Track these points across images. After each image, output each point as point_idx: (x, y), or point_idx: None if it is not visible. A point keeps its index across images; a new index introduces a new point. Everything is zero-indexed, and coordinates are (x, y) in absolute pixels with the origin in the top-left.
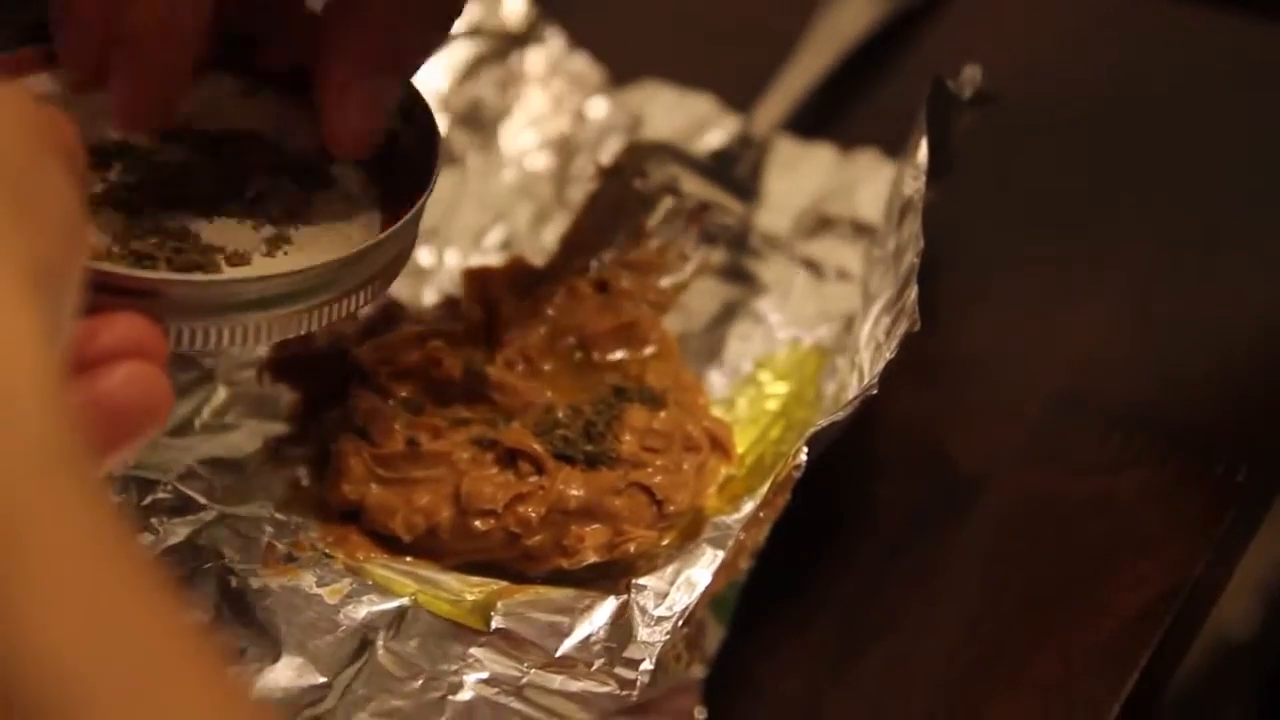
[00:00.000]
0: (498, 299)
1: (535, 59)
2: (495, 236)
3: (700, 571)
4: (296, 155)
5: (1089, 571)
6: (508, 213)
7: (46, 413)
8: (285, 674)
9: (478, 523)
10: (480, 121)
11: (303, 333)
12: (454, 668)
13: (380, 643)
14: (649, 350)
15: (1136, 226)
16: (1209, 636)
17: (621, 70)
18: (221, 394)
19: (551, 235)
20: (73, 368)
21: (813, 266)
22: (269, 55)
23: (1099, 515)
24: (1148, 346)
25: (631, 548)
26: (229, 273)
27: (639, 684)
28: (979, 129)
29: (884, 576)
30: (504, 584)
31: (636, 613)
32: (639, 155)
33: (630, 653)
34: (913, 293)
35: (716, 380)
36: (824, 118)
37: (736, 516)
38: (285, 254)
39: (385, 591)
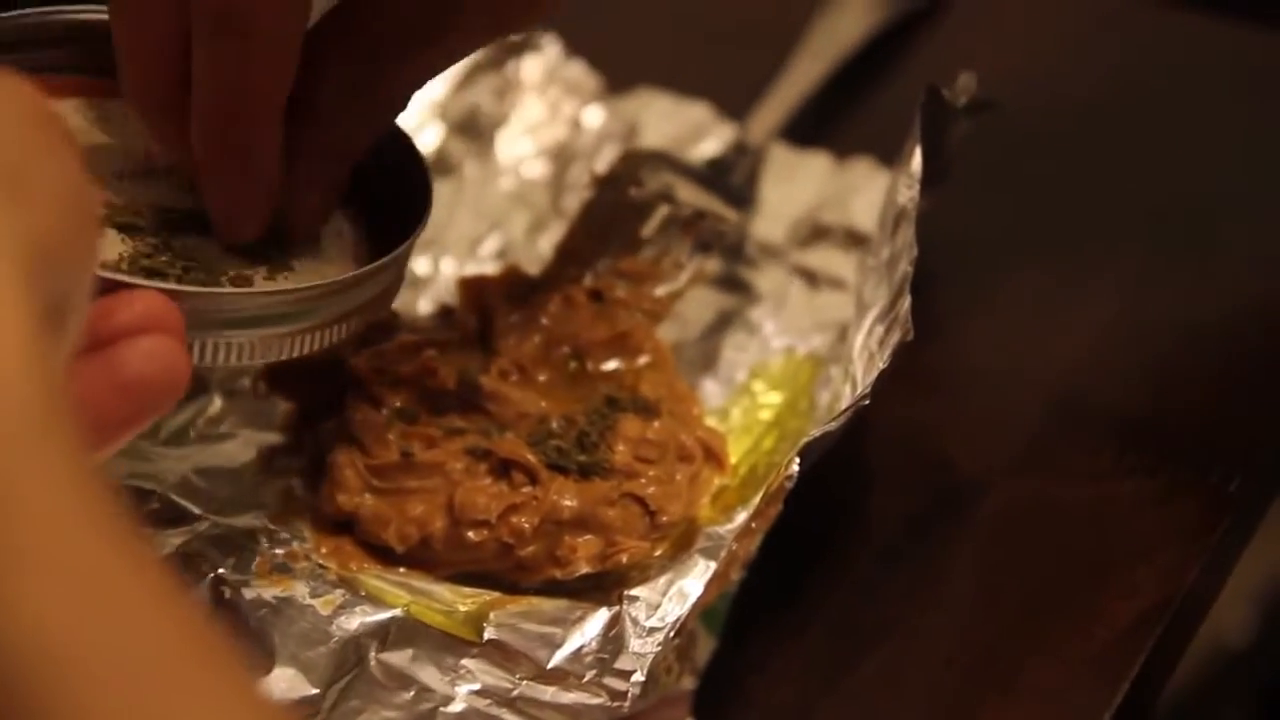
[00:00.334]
0: (492, 308)
1: (531, 67)
2: (491, 245)
3: (693, 582)
4: None
5: (1083, 580)
6: (504, 221)
7: (33, 387)
8: (278, 685)
9: (471, 533)
10: (476, 129)
11: (296, 354)
12: (446, 679)
13: (373, 654)
14: (643, 360)
15: (1131, 234)
16: (1206, 645)
17: (617, 78)
18: (217, 403)
19: (547, 244)
20: (92, 344)
21: (808, 276)
22: None
23: (1093, 524)
24: (1142, 355)
25: (624, 558)
26: (233, 290)
27: (630, 695)
28: (974, 136)
29: (877, 586)
30: (497, 595)
31: (628, 624)
32: (634, 163)
33: (622, 664)
34: (906, 302)
35: (711, 390)
36: (819, 126)
37: (730, 527)
38: (284, 279)
39: (378, 602)
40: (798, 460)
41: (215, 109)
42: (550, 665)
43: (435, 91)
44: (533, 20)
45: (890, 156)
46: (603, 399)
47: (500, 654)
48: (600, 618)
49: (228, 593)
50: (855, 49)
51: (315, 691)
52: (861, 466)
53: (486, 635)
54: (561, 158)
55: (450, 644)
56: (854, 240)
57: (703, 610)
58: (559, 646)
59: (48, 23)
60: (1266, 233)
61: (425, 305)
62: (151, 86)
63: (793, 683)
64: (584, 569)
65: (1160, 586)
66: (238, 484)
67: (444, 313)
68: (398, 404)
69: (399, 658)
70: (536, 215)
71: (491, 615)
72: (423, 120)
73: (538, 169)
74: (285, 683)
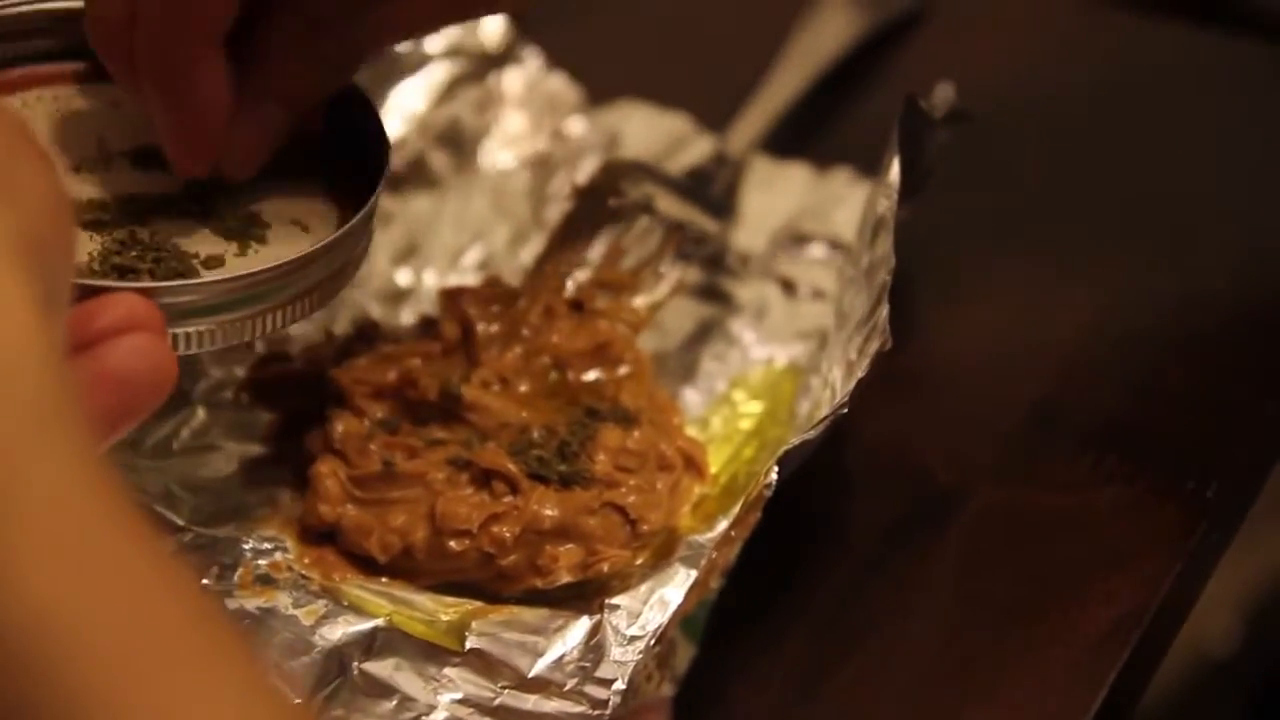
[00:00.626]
0: (473, 319)
1: (513, 79)
2: (473, 256)
3: (674, 591)
4: None
5: (1061, 587)
6: (486, 233)
7: (41, 368)
8: None
9: (452, 543)
10: (458, 142)
11: (282, 327)
12: (428, 688)
13: (355, 664)
14: (623, 370)
15: (1109, 241)
16: (1191, 654)
17: (598, 90)
18: (200, 415)
19: (529, 255)
20: (76, 348)
21: (788, 286)
22: None
23: (1071, 531)
24: (1120, 362)
25: (605, 567)
26: (206, 276)
27: (611, 704)
28: (953, 144)
29: (856, 593)
30: (478, 604)
31: (610, 632)
32: (615, 174)
33: (603, 672)
34: (884, 311)
35: (691, 399)
36: (800, 137)
37: (710, 536)
38: (256, 252)
39: (360, 612)
40: (776, 469)
41: (155, 36)
42: (532, 674)
43: (417, 104)
44: (495, 8)
45: (870, 166)
46: (583, 409)
47: (482, 663)
48: (581, 626)
49: None
50: (835, 60)
51: (298, 701)
52: (841, 475)
53: (468, 644)
54: (543, 169)
55: (432, 653)
56: (834, 250)
57: (683, 618)
58: (540, 655)
59: None
60: (1244, 238)
61: (407, 316)
62: (105, 19)
63: (772, 690)
64: (565, 578)
65: (1138, 593)
66: (221, 495)
67: (425, 324)
68: (379, 415)
69: (381, 667)
70: (518, 227)
71: (473, 624)
72: (404, 132)
73: (519, 181)
74: None
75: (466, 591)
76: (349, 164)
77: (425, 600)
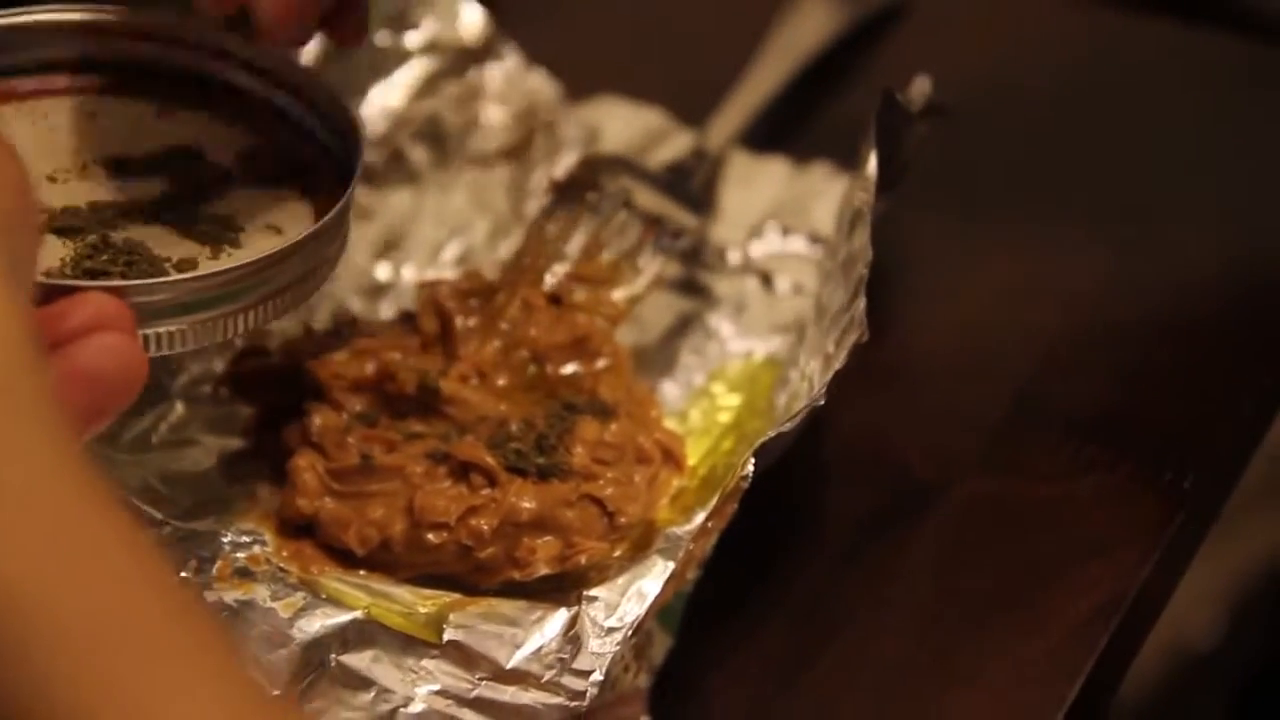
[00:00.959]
0: (452, 313)
1: (492, 75)
2: (453, 251)
3: (651, 583)
4: (224, 163)
5: (1038, 576)
6: (465, 227)
7: (13, 349)
8: None
9: (430, 535)
10: (438, 137)
11: (254, 327)
12: (406, 680)
13: (334, 656)
14: (601, 363)
15: (1087, 234)
16: (1174, 648)
17: (578, 85)
18: (178, 409)
19: (508, 249)
20: (48, 348)
21: (766, 279)
22: None
23: (1049, 521)
24: (1098, 353)
25: (583, 559)
26: (176, 275)
27: (588, 695)
28: (930, 137)
29: (834, 584)
30: (456, 596)
31: (588, 624)
32: (593, 169)
33: (580, 664)
34: (861, 303)
35: (670, 392)
36: (778, 131)
37: (688, 528)
38: (229, 255)
39: (339, 605)
40: (753, 460)
41: None
42: (509, 665)
43: (396, 99)
44: None
45: (849, 160)
46: (561, 402)
47: (460, 655)
48: (559, 618)
49: None
50: (814, 55)
51: (277, 693)
52: (819, 466)
53: (446, 636)
54: (522, 164)
55: (410, 645)
56: (812, 244)
57: (659, 609)
58: (518, 647)
59: None
60: (1223, 231)
61: (386, 310)
62: None
63: (749, 681)
64: (543, 570)
65: (1116, 583)
66: (199, 489)
67: (404, 318)
68: (358, 408)
69: (360, 659)
70: (497, 221)
71: (451, 616)
72: (384, 128)
73: (498, 175)
74: None
75: (444, 584)
76: (323, 165)
77: (403, 593)
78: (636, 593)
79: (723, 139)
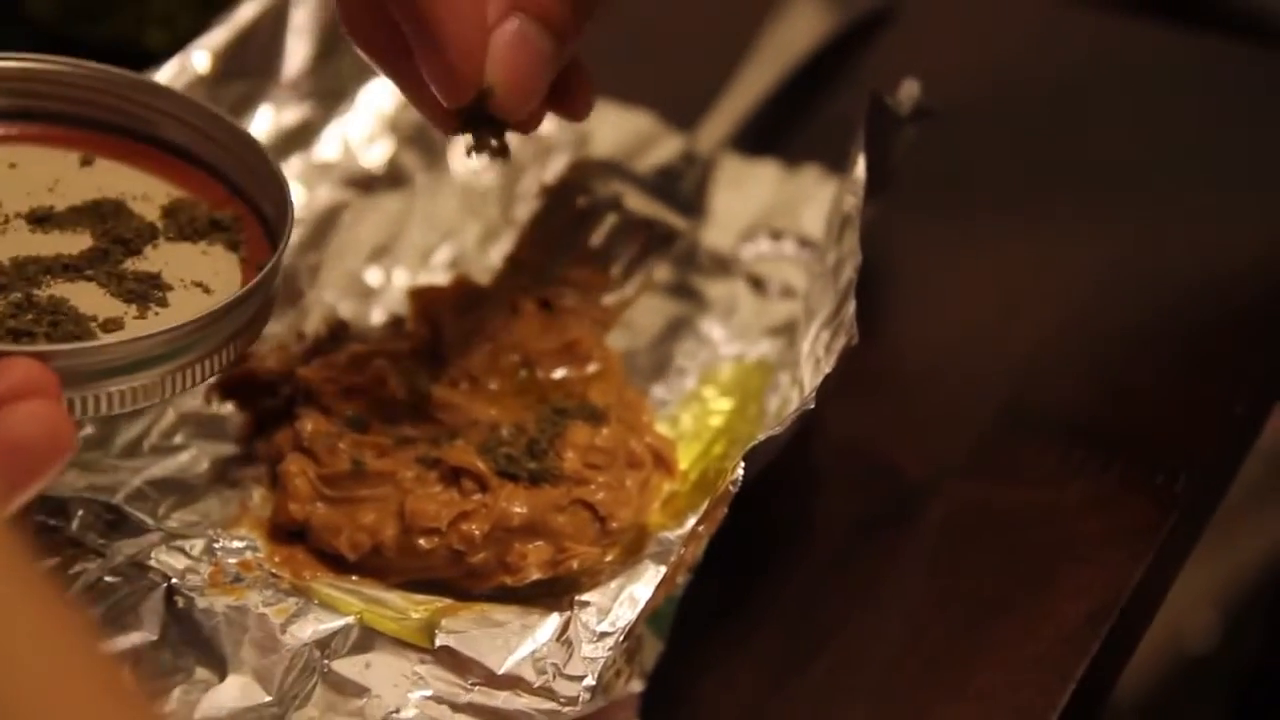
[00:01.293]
0: (442, 318)
1: None
2: (443, 255)
3: (643, 587)
4: (149, 217)
5: (1030, 581)
6: (455, 232)
7: None
8: (231, 693)
9: (422, 541)
10: (427, 141)
11: (176, 392)
12: (399, 686)
13: (326, 662)
14: (592, 368)
15: (1075, 237)
16: (1170, 650)
17: None
18: (170, 415)
19: (499, 254)
20: None
21: (757, 283)
22: None
23: (1041, 525)
24: (1087, 357)
25: (575, 564)
26: (104, 339)
27: (580, 700)
28: (919, 140)
29: (826, 588)
30: (449, 602)
31: (579, 629)
32: (583, 173)
33: (572, 669)
34: (851, 307)
35: (661, 396)
36: (769, 134)
37: (680, 532)
38: (156, 314)
39: (331, 610)
40: (743, 465)
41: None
42: (502, 671)
43: (386, 104)
44: None
45: (839, 163)
46: (552, 407)
47: (452, 660)
48: (551, 623)
49: (181, 602)
50: (805, 58)
51: (269, 699)
52: (809, 470)
53: (438, 642)
54: (512, 168)
55: (402, 651)
56: (803, 247)
57: (650, 614)
58: (510, 652)
59: None
60: (1214, 235)
61: (377, 315)
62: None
63: (741, 686)
64: (534, 575)
65: (1108, 587)
66: (191, 495)
67: (395, 323)
68: (349, 413)
69: (352, 665)
70: (488, 225)
71: (443, 622)
72: (374, 132)
73: (488, 180)
74: (238, 691)
75: (436, 589)
76: (251, 221)
77: (395, 598)
78: (629, 597)
79: (713, 142)
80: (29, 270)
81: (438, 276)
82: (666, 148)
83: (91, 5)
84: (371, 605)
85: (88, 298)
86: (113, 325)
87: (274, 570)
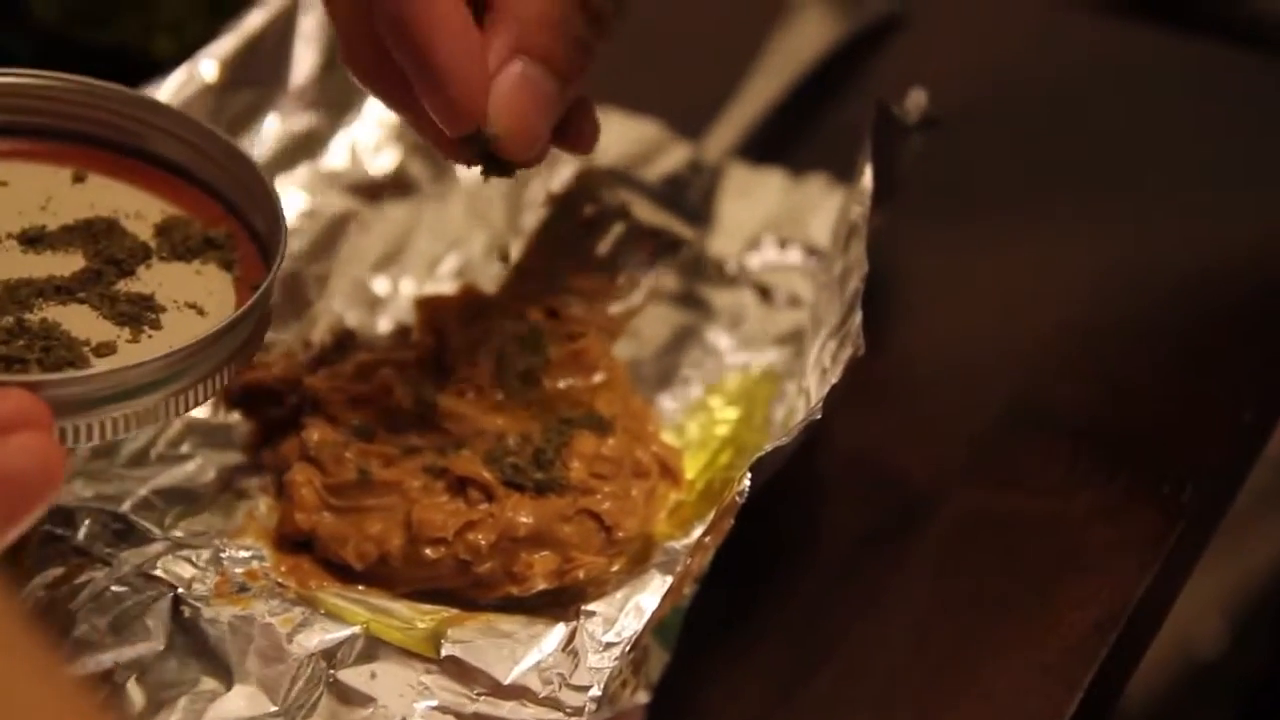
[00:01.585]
0: (448, 327)
1: None
2: (450, 264)
3: (649, 597)
4: (142, 236)
5: (1037, 589)
6: (462, 241)
7: None
8: (237, 703)
9: (428, 550)
10: (434, 151)
11: (172, 417)
12: (405, 695)
13: (332, 672)
14: (598, 377)
15: (1081, 244)
16: (1179, 657)
17: None
18: (176, 425)
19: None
20: None
21: (764, 292)
22: None
23: (1047, 533)
24: (1095, 365)
25: (581, 574)
26: (98, 365)
27: (586, 710)
28: (926, 148)
29: (832, 598)
30: (455, 611)
31: (586, 639)
32: (590, 182)
33: (578, 679)
34: (857, 317)
35: (668, 406)
36: (776, 143)
37: (686, 542)
38: (150, 337)
39: (337, 620)
40: (750, 475)
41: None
42: (508, 681)
43: (392, 113)
44: None
45: (846, 172)
46: (558, 416)
47: (458, 670)
48: (557, 633)
49: (187, 612)
50: (811, 67)
51: (275, 709)
52: (816, 480)
53: (444, 652)
54: (519, 177)
55: (408, 661)
56: (810, 257)
57: (656, 624)
58: (516, 662)
59: None
60: (1216, 239)
61: (383, 325)
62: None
63: (747, 696)
64: (541, 585)
65: (1115, 596)
66: (197, 504)
67: (401, 332)
68: (355, 423)
69: (358, 675)
70: (494, 234)
71: (449, 632)
72: (381, 141)
73: (495, 189)
74: (245, 701)
75: (443, 599)
76: (245, 240)
77: (402, 608)
78: (635, 607)
79: (719, 151)
80: (21, 293)
81: (444, 285)
82: (673, 156)
83: (96, 9)
84: (377, 615)
85: (80, 321)
86: (105, 349)
87: (280, 580)
